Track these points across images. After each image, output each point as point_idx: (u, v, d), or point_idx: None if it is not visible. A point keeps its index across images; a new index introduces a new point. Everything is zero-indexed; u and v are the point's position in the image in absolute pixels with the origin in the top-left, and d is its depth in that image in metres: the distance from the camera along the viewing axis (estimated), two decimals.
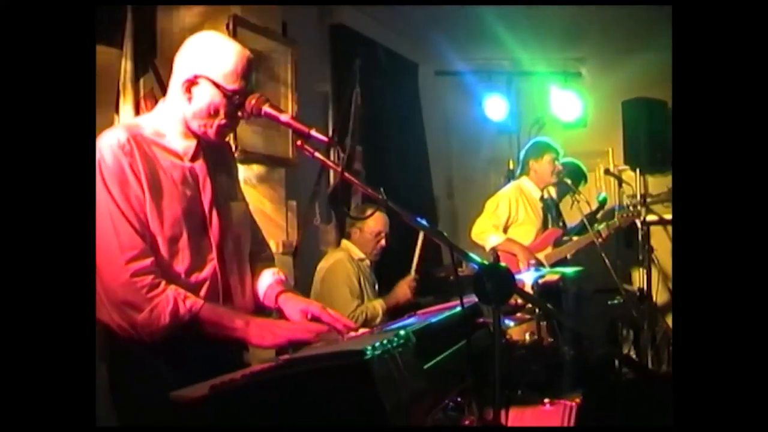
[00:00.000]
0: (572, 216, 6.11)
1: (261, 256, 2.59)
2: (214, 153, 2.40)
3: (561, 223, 6.00)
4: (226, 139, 2.50)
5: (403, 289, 4.80)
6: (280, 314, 2.42)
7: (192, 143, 2.31)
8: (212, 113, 2.26)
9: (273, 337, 2.16)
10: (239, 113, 2.27)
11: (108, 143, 2.16)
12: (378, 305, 4.71)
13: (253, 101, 2.24)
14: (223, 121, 2.28)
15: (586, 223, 5.56)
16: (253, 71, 2.29)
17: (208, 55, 2.24)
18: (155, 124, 2.31)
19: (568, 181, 5.72)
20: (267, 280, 2.50)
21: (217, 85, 2.22)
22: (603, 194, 6.67)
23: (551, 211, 5.82)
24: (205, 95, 2.24)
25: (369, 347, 1.45)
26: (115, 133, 2.21)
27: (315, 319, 2.31)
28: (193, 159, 2.32)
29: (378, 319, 4.62)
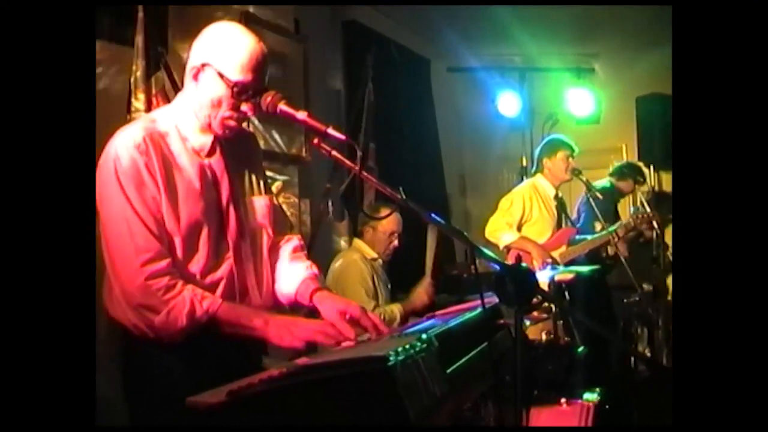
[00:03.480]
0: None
1: (290, 246, 2.49)
2: (235, 146, 2.34)
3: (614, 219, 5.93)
4: (245, 128, 2.44)
5: (420, 296, 4.73)
6: (315, 313, 2.33)
7: (208, 138, 2.26)
8: (215, 104, 2.19)
9: (291, 337, 2.10)
10: (246, 108, 2.20)
11: (124, 143, 2.12)
12: (396, 309, 4.66)
13: (269, 99, 2.18)
14: (227, 114, 2.21)
15: (598, 214, 5.52)
16: (265, 66, 2.21)
17: (218, 45, 2.18)
18: (172, 118, 2.25)
19: (584, 179, 5.68)
20: (300, 274, 2.41)
21: (221, 76, 2.16)
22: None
23: (565, 209, 5.78)
24: (210, 85, 2.18)
25: (392, 353, 1.41)
26: (131, 132, 2.16)
27: (353, 320, 2.21)
28: (210, 154, 2.26)
29: (395, 323, 4.56)
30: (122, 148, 2.11)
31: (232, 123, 2.24)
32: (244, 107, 2.20)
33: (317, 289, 2.36)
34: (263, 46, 2.23)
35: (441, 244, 4.65)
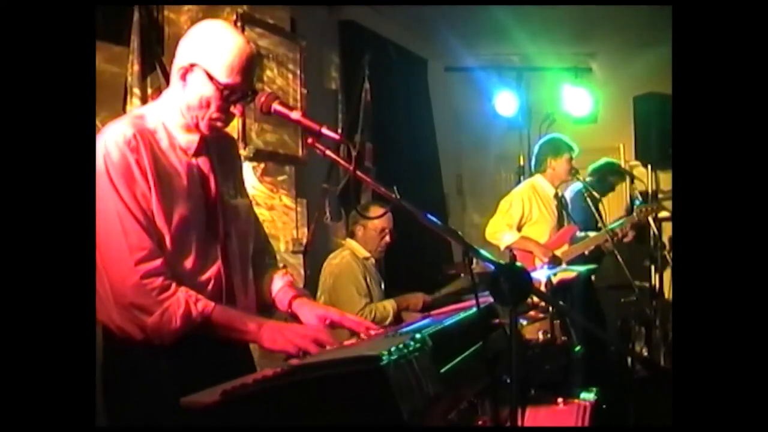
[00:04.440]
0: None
1: (266, 257, 2.51)
2: (219, 148, 2.33)
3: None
4: (227, 132, 2.43)
5: (417, 300, 4.77)
6: (294, 319, 2.35)
7: (195, 137, 2.23)
8: (203, 105, 2.16)
9: (284, 342, 2.09)
10: (233, 109, 2.18)
11: (114, 139, 2.09)
12: (389, 305, 4.66)
13: (263, 98, 2.16)
14: (215, 115, 2.18)
15: (597, 215, 5.53)
16: (254, 68, 2.20)
17: (207, 45, 2.15)
18: (160, 116, 2.22)
19: (581, 178, 5.69)
20: (278, 283, 2.43)
21: (210, 77, 2.13)
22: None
23: (566, 208, 5.77)
24: (198, 85, 2.15)
25: (385, 352, 1.41)
26: (121, 127, 2.13)
27: (334, 324, 2.23)
28: (197, 154, 2.24)
29: (388, 320, 4.57)
30: (112, 143, 2.08)
31: (219, 124, 2.22)
32: (233, 108, 2.19)
33: (296, 296, 2.38)
34: (252, 47, 2.21)
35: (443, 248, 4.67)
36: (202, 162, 2.25)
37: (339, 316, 2.29)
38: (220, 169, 2.30)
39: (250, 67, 2.18)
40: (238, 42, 2.17)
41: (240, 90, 2.17)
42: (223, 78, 2.13)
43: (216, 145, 2.31)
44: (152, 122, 2.20)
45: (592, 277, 5.72)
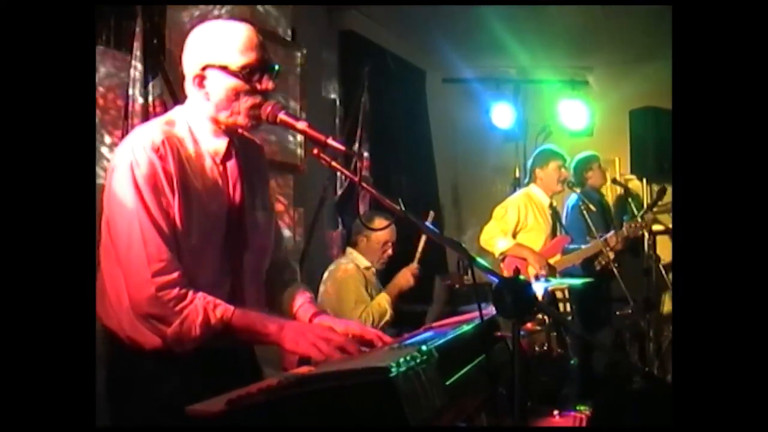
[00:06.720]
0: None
1: (285, 272, 2.48)
2: (247, 155, 2.29)
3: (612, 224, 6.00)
4: (255, 141, 2.41)
5: (406, 276, 4.65)
6: None
7: (223, 141, 2.20)
8: (232, 98, 2.13)
9: (308, 345, 2.03)
10: (262, 87, 2.14)
11: (142, 145, 2.05)
12: (383, 300, 4.61)
13: (269, 108, 2.14)
14: (249, 102, 2.13)
15: (591, 225, 5.56)
16: (261, 42, 2.16)
17: (209, 42, 2.13)
18: (187, 121, 2.19)
19: (578, 190, 5.71)
20: (298, 299, 2.40)
21: (226, 69, 2.11)
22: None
23: (559, 218, 5.80)
24: (219, 83, 2.12)
25: (393, 364, 1.41)
26: (150, 134, 2.09)
27: (355, 338, 2.17)
28: (226, 158, 2.21)
29: (388, 313, 4.55)
30: (140, 149, 2.05)
31: (257, 110, 2.16)
32: (260, 87, 2.15)
33: (316, 313, 2.35)
34: (250, 26, 2.19)
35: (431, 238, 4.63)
36: (231, 167, 2.22)
37: (360, 330, 2.25)
38: (247, 176, 2.27)
39: (258, 42, 2.15)
40: (235, 25, 2.17)
41: (259, 65, 2.13)
42: (238, 61, 2.10)
43: (245, 152, 2.28)
44: (181, 128, 2.18)
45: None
